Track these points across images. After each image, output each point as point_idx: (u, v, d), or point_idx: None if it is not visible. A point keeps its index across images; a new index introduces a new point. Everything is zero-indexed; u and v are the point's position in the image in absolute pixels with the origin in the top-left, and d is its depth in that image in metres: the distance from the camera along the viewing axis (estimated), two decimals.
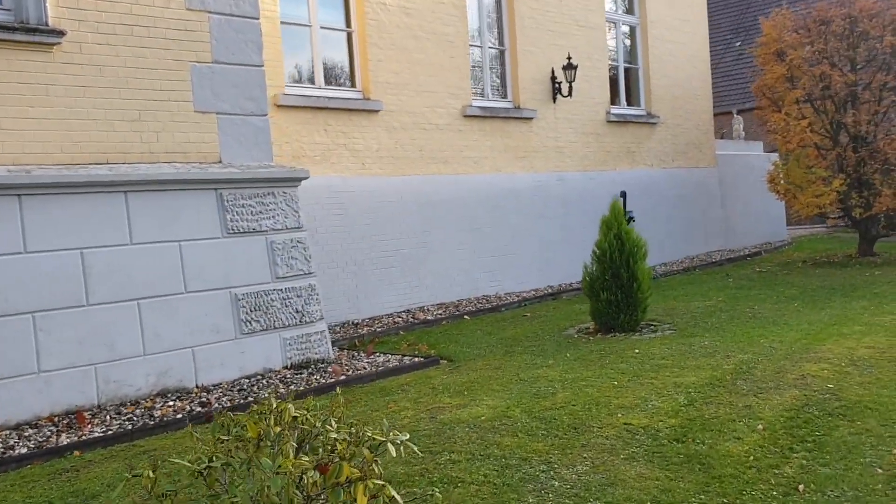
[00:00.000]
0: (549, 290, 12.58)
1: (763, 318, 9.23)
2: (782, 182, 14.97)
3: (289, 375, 7.41)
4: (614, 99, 15.00)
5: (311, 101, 10.05)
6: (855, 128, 13.96)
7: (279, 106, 9.74)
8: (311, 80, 10.35)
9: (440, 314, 10.78)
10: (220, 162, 7.54)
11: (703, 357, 7.31)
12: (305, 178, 8.04)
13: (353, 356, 8.32)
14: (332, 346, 9.04)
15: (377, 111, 10.75)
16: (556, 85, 13.28)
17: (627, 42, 15.54)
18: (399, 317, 10.60)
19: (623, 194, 14.38)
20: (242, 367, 7.32)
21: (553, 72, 13.28)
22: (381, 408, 6.16)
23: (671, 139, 15.90)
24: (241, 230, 7.42)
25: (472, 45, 12.35)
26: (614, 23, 15.00)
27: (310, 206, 9.97)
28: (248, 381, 7.25)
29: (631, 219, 14.65)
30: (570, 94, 13.28)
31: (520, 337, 8.99)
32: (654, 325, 9.23)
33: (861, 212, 14.22)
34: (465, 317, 10.65)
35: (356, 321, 10.28)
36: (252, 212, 7.52)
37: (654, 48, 15.55)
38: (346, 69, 10.86)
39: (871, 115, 14.00)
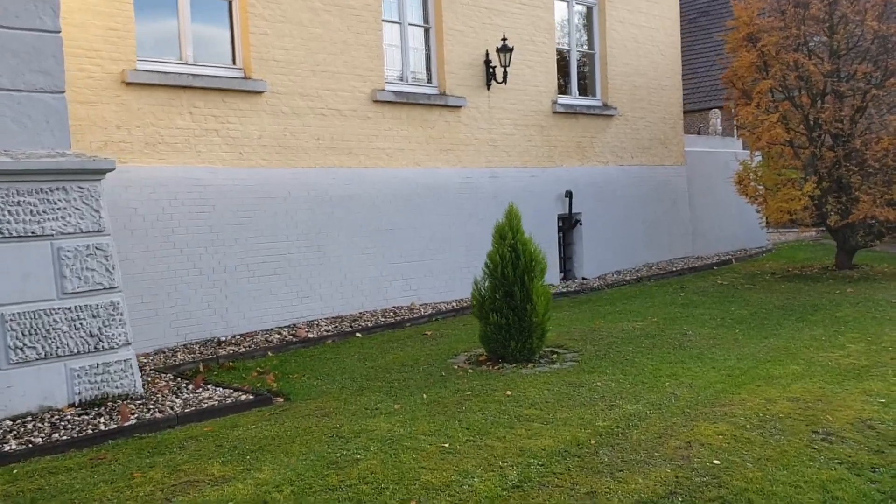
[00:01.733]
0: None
1: (689, 349, 7.72)
2: (752, 184, 13.40)
3: (70, 416, 5.96)
4: (564, 87, 13.44)
5: (172, 79, 8.56)
6: (831, 124, 12.36)
7: (128, 84, 8.26)
8: (178, 55, 8.86)
9: (329, 330, 9.30)
10: None
11: (581, 406, 5.81)
12: (110, 170, 6.56)
13: (177, 388, 6.86)
14: (174, 370, 7.60)
15: (260, 92, 9.26)
16: (491, 70, 11.74)
17: (583, 24, 13.96)
18: (278, 333, 9.12)
19: (568, 194, 12.95)
20: (8, 406, 5.87)
21: (487, 55, 11.74)
22: (121, 478, 4.69)
23: (631, 134, 14.33)
24: (15, 234, 5.97)
25: (387, 21, 10.82)
26: (566, 2, 13.42)
27: (165, 202, 8.52)
28: (11, 423, 5.80)
29: (577, 221, 13.21)
30: (504, 80, 11.74)
31: (394, 365, 7.50)
32: (558, 353, 7.74)
33: (838, 219, 12.64)
34: (358, 334, 9.17)
35: (222, 338, 8.81)
36: (32, 211, 6.05)
37: (614, 32, 13.97)
38: (228, 43, 9.36)
39: (852, 111, 12.41)
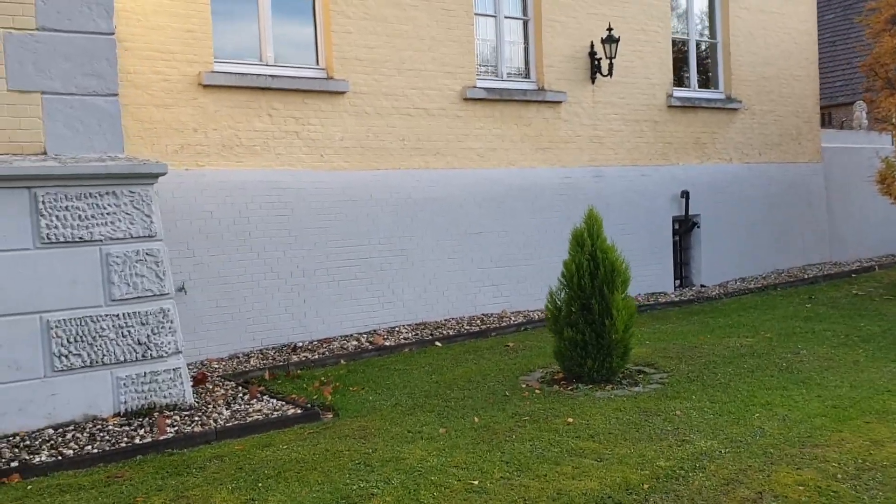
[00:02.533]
0: None
1: (796, 372, 6.78)
2: None
3: (111, 427, 5.81)
4: (682, 79, 12.46)
5: (250, 81, 8.39)
6: None
7: (205, 86, 8.14)
8: (258, 56, 8.69)
9: (409, 338, 8.90)
10: (45, 153, 6.02)
11: (647, 440, 5.10)
12: (162, 174, 6.39)
13: (233, 398, 6.63)
14: (243, 377, 7.42)
15: (342, 93, 8.97)
16: (596, 62, 10.99)
17: (704, 12, 12.91)
18: (356, 339, 8.80)
19: (685, 194, 11.99)
20: (52, 414, 5.79)
21: (592, 46, 11.00)
22: (123, 502, 4.42)
23: (759, 128, 13.14)
24: (64, 239, 5.88)
25: (480, 15, 10.30)
26: None
27: (242, 205, 8.36)
28: (53, 432, 5.70)
29: (695, 224, 12.24)
30: (610, 73, 10.95)
31: (461, 381, 6.98)
32: (645, 374, 6.99)
33: None
34: (437, 343, 8.72)
35: (299, 344, 8.57)
36: (81, 216, 5.96)
37: (739, 18, 12.84)
38: (310, 43, 9.12)
39: None
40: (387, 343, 8.64)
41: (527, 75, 10.79)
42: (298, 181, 8.73)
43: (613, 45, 10.84)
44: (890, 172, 12.01)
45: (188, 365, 7.89)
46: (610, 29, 10.82)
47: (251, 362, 8.01)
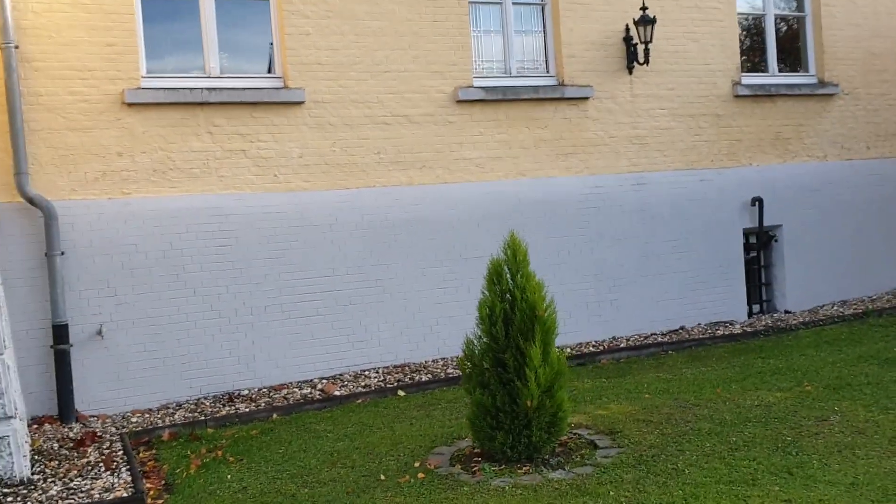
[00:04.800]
0: (594, 349, 8.74)
1: (795, 454, 4.94)
2: None
3: None
4: (756, 63, 10.35)
5: (182, 96, 7.46)
6: None
7: (129, 104, 7.30)
8: (202, 68, 7.77)
9: (369, 385, 7.64)
10: None
11: None
12: None
13: (87, 470, 5.66)
14: (148, 435, 6.48)
15: (299, 103, 7.86)
16: (633, 49, 9.23)
17: None
18: (310, 386, 7.65)
19: (757, 201, 9.92)
20: None
21: (627, 30, 9.26)
22: None
23: (865, 117, 10.74)
24: None
25: (478, 3, 8.87)
26: None
27: (174, 236, 7.45)
28: None
29: (772, 237, 10.11)
30: (646, 60, 9.15)
31: (358, 453, 5.63)
32: (594, 447, 5.39)
33: None
34: (401, 392, 7.40)
35: (244, 392, 7.54)
36: None
37: None
38: (264, 50, 8.09)
39: None
40: (338, 392, 7.43)
41: (546, 69, 9.21)
42: (245, 206, 7.71)
43: (649, 28, 9.04)
44: None
45: (109, 418, 7.09)
46: (644, 8, 9.03)
47: (176, 416, 7.06)
